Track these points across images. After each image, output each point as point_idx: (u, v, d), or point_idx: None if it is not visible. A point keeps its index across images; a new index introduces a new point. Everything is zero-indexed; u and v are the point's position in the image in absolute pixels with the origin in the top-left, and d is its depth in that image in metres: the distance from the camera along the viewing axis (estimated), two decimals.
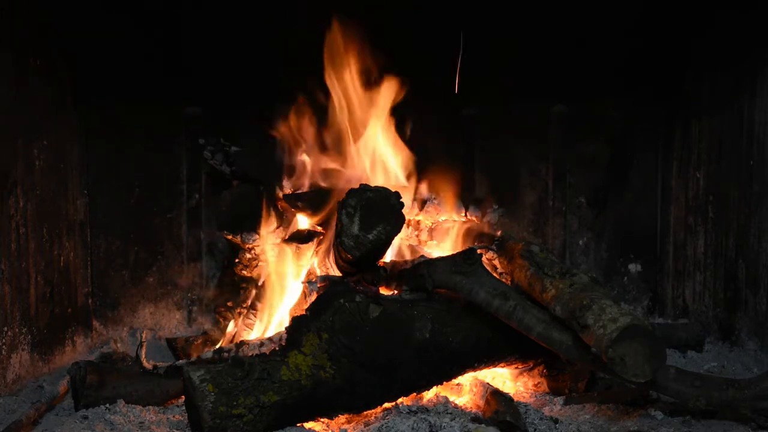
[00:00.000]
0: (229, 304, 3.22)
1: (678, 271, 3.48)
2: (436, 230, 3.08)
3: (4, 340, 2.65)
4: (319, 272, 2.88)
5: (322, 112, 3.16)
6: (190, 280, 3.46)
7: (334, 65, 3.04)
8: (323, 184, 3.12)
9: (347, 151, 3.11)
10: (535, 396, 2.63)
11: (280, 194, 3.14)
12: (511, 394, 2.51)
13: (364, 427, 2.30)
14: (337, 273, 2.72)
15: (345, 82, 3.05)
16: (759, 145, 2.94)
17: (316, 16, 3.11)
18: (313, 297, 2.60)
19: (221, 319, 3.25)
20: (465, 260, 2.50)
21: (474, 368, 2.54)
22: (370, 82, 3.08)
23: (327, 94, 3.11)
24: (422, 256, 2.89)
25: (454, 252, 2.70)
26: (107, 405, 2.47)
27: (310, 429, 2.28)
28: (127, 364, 2.69)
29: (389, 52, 3.10)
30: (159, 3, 3.21)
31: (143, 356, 2.62)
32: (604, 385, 2.63)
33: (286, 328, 2.49)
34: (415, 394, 2.47)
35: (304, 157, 3.15)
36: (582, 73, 3.40)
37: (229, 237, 3.15)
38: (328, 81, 3.05)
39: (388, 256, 2.81)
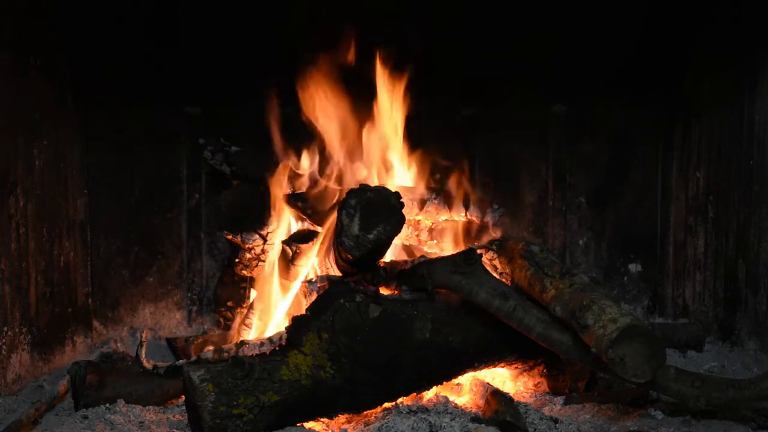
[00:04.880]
0: (229, 304, 3.22)
1: (678, 271, 3.48)
2: (436, 230, 3.08)
3: (4, 340, 2.66)
4: (319, 272, 2.88)
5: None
6: (190, 280, 3.46)
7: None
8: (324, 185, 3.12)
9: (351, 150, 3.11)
10: (535, 396, 2.63)
11: (281, 194, 3.14)
12: (511, 394, 2.51)
13: (364, 427, 2.30)
14: (337, 273, 2.72)
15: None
16: (759, 145, 2.94)
17: (315, 15, 3.11)
18: (313, 297, 2.60)
19: (221, 319, 3.25)
20: (465, 260, 2.50)
21: (474, 368, 2.54)
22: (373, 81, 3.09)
23: (328, 92, 3.11)
24: (422, 256, 2.89)
25: (454, 252, 2.70)
26: (107, 405, 2.47)
27: (310, 429, 2.28)
28: (127, 364, 2.69)
29: (388, 53, 3.10)
30: (159, 2, 3.21)
31: (143, 356, 2.62)
32: (604, 385, 2.63)
33: (286, 328, 2.49)
34: (415, 394, 2.47)
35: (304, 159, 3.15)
36: (582, 73, 3.40)
37: (229, 237, 3.15)
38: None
39: (388, 256, 2.81)
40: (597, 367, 2.36)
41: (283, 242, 3.03)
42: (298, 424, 2.26)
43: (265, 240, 3.12)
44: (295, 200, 3.09)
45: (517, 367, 2.66)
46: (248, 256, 3.15)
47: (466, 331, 2.49)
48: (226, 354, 2.62)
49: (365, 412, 2.39)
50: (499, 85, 3.39)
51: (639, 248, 3.61)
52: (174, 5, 3.22)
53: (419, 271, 2.57)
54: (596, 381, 2.64)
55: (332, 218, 2.86)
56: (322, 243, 2.96)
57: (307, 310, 2.45)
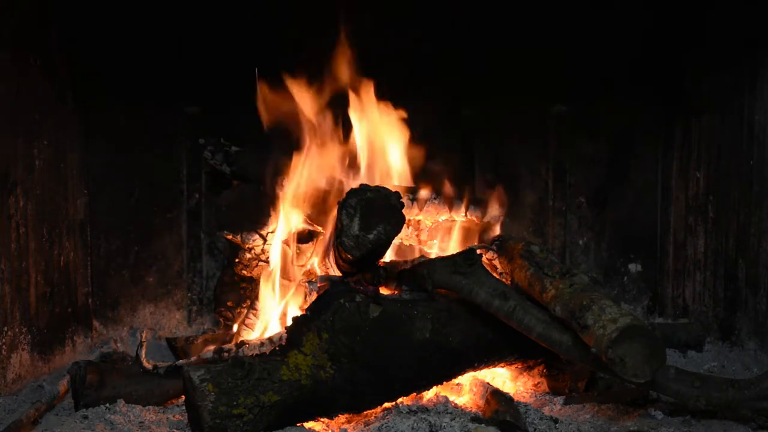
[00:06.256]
0: (229, 304, 3.22)
1: (678, 271, 3.48)
2: (436, 230, 3.08)
3: (4, 340, 2.66)
4: (319, 272, 2.88)
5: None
6: (190, 280, 3.46)
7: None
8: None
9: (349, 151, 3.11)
10: (535, 396, 2.63)
11: (280, 194, 3.14)
12: (511, 394, 2.51)
13: (364, 427, 2.30)
14: (337, 273, 2.72)
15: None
16: (759, 145, 2.94)
17: (315, 15, 3.12)
18: (313, 297, 2.60)
19: (221, 319, 3.25)
20: (465, 260, 2.50)
21: (474, 368, 2.54)
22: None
23: (328, 93, 3.11)
24: (422, 256, 2.89)
25: (454, 252, 2.70)
26: (107, 405, 2.47)
27: (310, 429, 2.28)
28: (127, 364, 2.69)
29: (388, 53, 3.10)
30: (159, 1, 3.21)
31: (143, 356, 2.62)
32: (604, 385, 2.63)
33: (286, 328, 2.49)
34: (415, 394, 2.47)
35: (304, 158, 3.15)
36: (582, 73, 3.40)
37: (229, 237, 3.15)
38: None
39: (388, 256, 2.81)
40: (597, 367, 2.36)
41: (283, 242, 3.03)
42: (298, 424, 2.26)
43: (265, 240, 3.11)
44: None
45: (517, 367, 2.66)
46: (248, 256, 3.14)
47: (466, 331, 2.49)
48: (226, 354, 2.62)
49: (365, 412, 2.39)
50: (499, 85, 3.39)
51: (639, 248, 3.61)
52: (174, 5, 3.22)
53: (419, 271, 2.57)
54: (596, 381, 2.64)
55: (332, 218, 2.86)
56: (322, 243, 2.96)
57: (307, 310, 2.45)
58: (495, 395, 2.42)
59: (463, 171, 3.27)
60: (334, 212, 2.63)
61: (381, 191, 2.48)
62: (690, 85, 3.39)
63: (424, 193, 3.04)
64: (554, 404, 2.55)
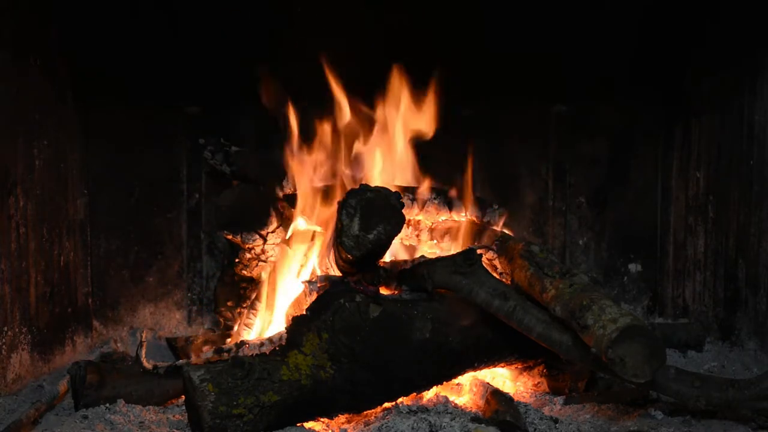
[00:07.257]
0: (229, 304, 3.22)
1: (678, 270, 3.48)
2: (436, 230, 3.08)
3: (4, 340, 2.66)
4: (319, 272, 2.88)
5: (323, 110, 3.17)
6: (190, 280, 3.46)
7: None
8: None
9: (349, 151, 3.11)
10: (535, 396, 2.63)
11: (280, 194, 3.14)
12: (511, 394, 2.51)
13: (364, 427, 2.30)
14: (337, 273, 2.72)
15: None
16: (759, 145, 2.94)
17: (315, 15, 3.12)
18: (313, 297, 2.60)
19: (221, 319, 3.25)
20: (465, 260, 2.50)
21: (474, 368, 2.54)
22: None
23: (330, 93, 3.11)
24: (422, 256, 2.89)
25: (454, 252, 2.70)
26: (107, 405, 2.47)
27: (310, 429, 2.28)
28: (127, 364, 2.69)
29: (388, 53, 3.10)
30: (160, 2, 3.21)
31: (143, 356, 2.62)
32: (604, 385, 2.63)
33: (286, 328, 2.49)
34: (415, 394, 2.47)
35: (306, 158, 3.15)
36: (582, 73, 3.40)
37: (229, 237, 3.15)
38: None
39: (388, 256, 2.81)
40: (597, 367, 2.36)
41: (283, 242, 3.03)
42: (298, 424, 2.26)
43: (265, 240, 3.12)
44: (294, 200, 3.08)
45: (517, 367, 2.66)
46: (248, 256, 3.14)
47: (466, 331, 2.49)
48: (226, 354, 2.62)
49: (365, 412, 2.39)
50: (499, 85, 3.39)
51: (639, 248, 3.61)
52: (174, 5, 3.22)
53: (419, 271, 2.57)
54: (596, 381, 2.64)
55: (332, 218, 2.86)
56: (322, 243, 2.96)
57: (307, 310, 2.45)
58: (495, 395, 2.42)
59: (463, 171, 3.26)
60: (334, 212, 2.63)
61: (381, 191, 2.47)
62: (690, 85, 3.39)
63: (424, 193, 3.04)
64: (554, 404, 2.55)
